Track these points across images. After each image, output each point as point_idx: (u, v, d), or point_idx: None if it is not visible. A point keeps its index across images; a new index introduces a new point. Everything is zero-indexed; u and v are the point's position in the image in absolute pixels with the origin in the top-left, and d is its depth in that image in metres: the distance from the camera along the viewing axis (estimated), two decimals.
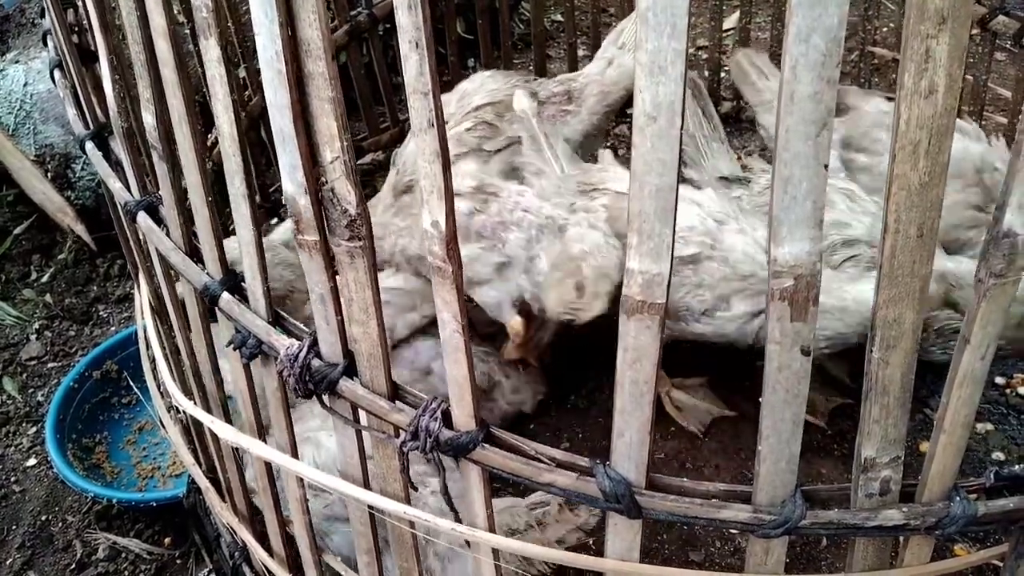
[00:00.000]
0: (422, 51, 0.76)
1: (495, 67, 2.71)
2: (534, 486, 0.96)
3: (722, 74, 2.95)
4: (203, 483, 1.47)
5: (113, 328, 2.53)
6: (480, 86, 2.24)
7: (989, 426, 1.96)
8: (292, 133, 0.87)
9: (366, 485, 1.09)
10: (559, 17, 3.44)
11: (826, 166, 0.76)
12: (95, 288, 2.66)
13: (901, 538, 1.01)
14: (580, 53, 3.02)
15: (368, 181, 2.63)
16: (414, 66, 0.76)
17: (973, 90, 2.48)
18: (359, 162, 2.74)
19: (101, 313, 2.60)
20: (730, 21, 3.25)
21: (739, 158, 2.82)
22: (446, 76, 2.78)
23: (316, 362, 1.01)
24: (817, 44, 0.70)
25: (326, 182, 0.89)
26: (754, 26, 3.14)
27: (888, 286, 0.81)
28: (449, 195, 0.82)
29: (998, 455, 1.89)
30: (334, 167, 0.87)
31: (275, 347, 1.04)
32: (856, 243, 1.74)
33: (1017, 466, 1.03)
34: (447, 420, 0.97)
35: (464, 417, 0.96)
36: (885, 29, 3.26)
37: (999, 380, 2.08)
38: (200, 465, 1.57)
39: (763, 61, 2.23)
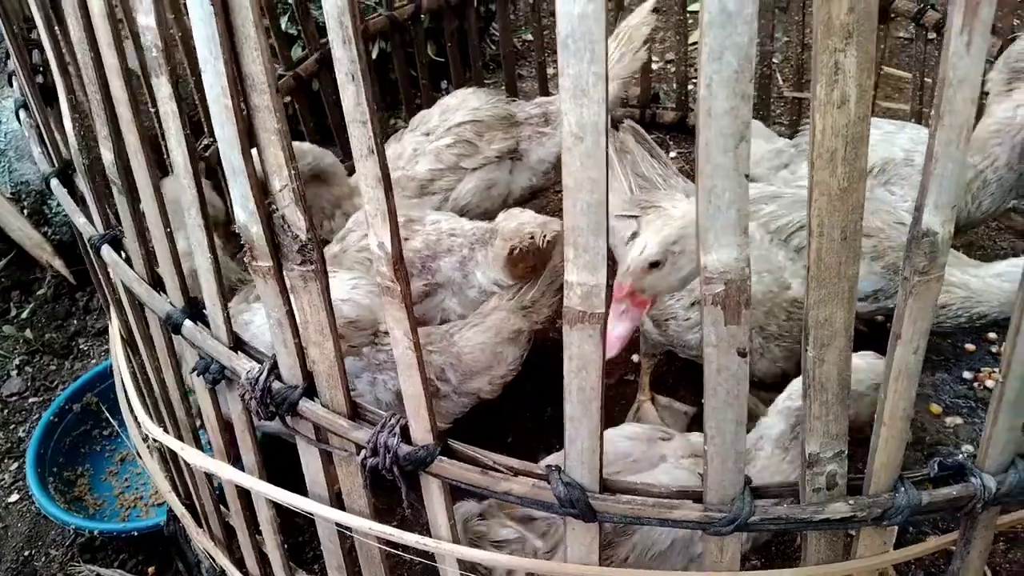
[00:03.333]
0: (358, 83, 0.79)
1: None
2: (492, 496, 0.99)
3: (689, 87, 3.00)
4: (179, 510, 1.48)
5: (94, 361, 2.55)
6: (462, 102, 2.29)
7: (959, 420, 2.00)
8: (241, 164, 0.90)
9: (333, 503, 1.12)
10: (530, 36, 3.49)
11: (747, 176, 0.80)
12: (75, 322, 2.67)
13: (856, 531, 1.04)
14: (550, 72, 3.07)
15: None
16: (351, 97, 0.80)
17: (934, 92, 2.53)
18: None
19: (81, 346, 2.61)
20: (696, 35, 3.31)
21: None
22: (418, 99, 2.83)
23: (277, 384, 1.04)
24: (729, 61, 0.74)
25: (277, 209, 0.92)
26: None
27: (817, 287, 0.85)
28: (393, 217, 0.85)
29: (968, 448, 1.92)
30: (283, 195, 0.91)
31: (237, 371, 1.07)
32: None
33: (961, 455, 1.06)
34: (406, 435, 1.00)
35: (421, 432, 0.99)
36: None
37: (967, 375, 2.12)
38: (178, 493, 1.59)
39: None
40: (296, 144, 2.20)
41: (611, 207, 1.98)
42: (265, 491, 1.12)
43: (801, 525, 0.98)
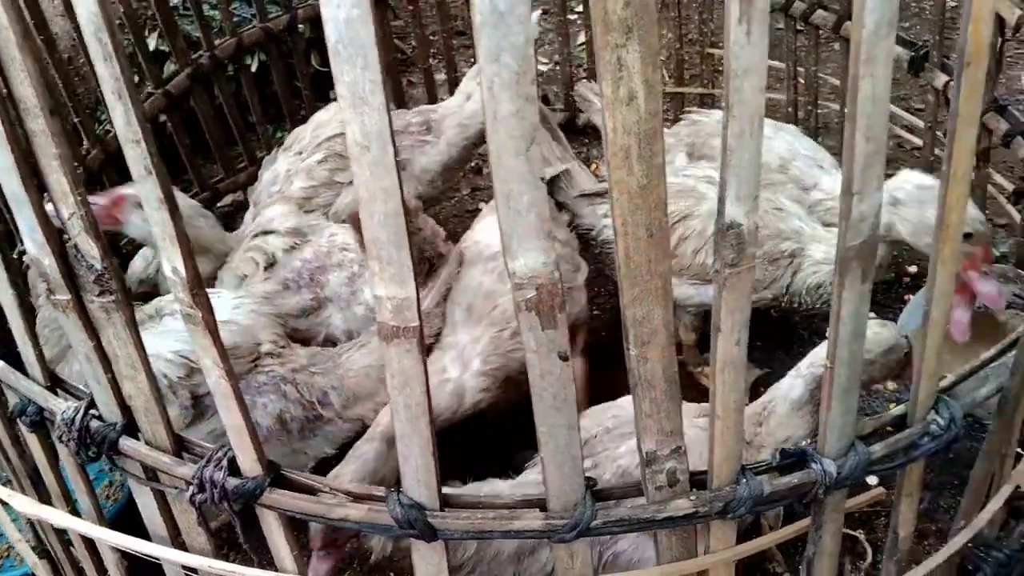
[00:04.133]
0: (126, 101, 0.74)
1: None
2: (329, 523, 0.95)
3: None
4: (32, 559, 1.40)
5: None
6: (334, 116, 2.24)
7: None
8: (23, 193, 0.84)
9: (174, 541, 1.06)
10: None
11: (543, 179, 0.78)
12: None
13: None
14: (440, 77, 3.04)
15: (229, 224, 2.57)
16: (120, 116, 0.75)
17: (806, 81, 2.59)
18: (219, 205, 2.68)
19: None
20: (581, 37, 3.33)
21: (597, 167, 2.89)
22: (302, 111, 2.76)
23: (96, 423, 0.98)
24: (508, 63, 0.72)
25: (69, 239, 0.87)
26: None
27: (630, 286, 0.84)
28: (183, 240, 0.80)
29: None
30: (72, 223, 0.85)
31: (54, 412, 1.00)
32: None
33: (804, 441, 1.07)
34: (235, 468, 0.95)
35: (249, 463, 0.94)
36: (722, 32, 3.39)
37: None
38: (39, 539, 1.50)
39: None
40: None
41: None
42: (99, 535, 1.06)
43: (645, 525, 0.97)
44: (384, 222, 0.78)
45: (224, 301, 1.69)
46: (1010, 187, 2.05)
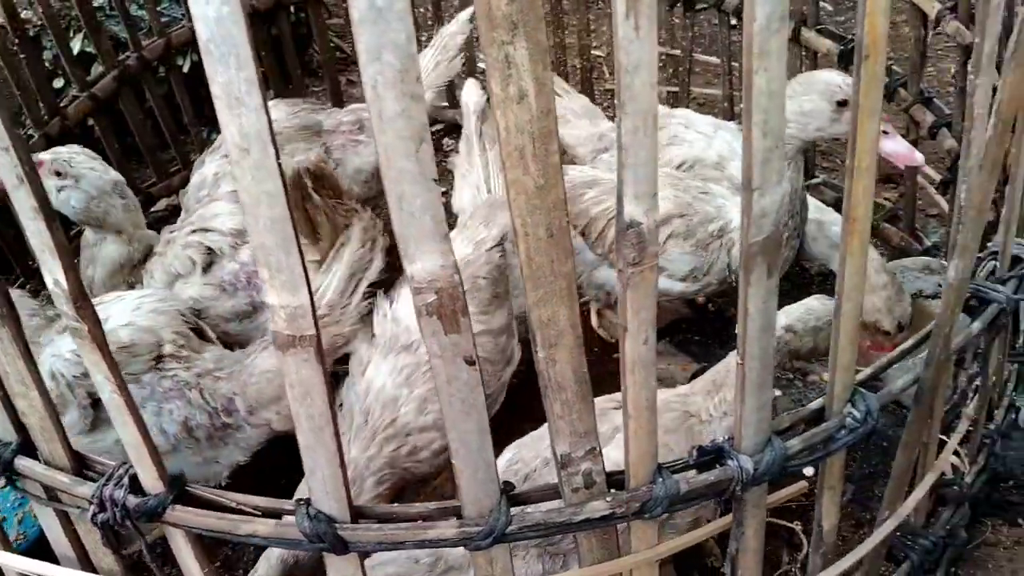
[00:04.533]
0: None
1: (290, 98, 2.66)
2: (237, 540, 0.92)
3: None
4: None
5: None
6: None
7: (777, 392, 2.05)
8: None
9: (82, 562, 1.02)
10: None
11: (436, 180, 0.76)
12: None
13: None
14: None
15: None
16: None
17: (741, 75, 2.61)
18: (152, 210, 2.62)
19: None
20: None
21: None
22: None
23: None
24: (391, 62, 0.70)
25: None
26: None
27: (534, 288, 0.82)
28: (63, 251, 0.77)
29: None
30: None
31: None
32: (669, 220, 1.80)
33: (722, 437, 1.07)
34: (136, 485, 0.92)
35: (151, 480, 0.91)
36: None
37: None
38: None
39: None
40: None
41: (464, 202, 1.94)
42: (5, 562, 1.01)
43: (562, 528, 0.96)
44: (270, 227, 0.75)
45: (126, 303, 1.62)
46: (939, 177, 2.08)
